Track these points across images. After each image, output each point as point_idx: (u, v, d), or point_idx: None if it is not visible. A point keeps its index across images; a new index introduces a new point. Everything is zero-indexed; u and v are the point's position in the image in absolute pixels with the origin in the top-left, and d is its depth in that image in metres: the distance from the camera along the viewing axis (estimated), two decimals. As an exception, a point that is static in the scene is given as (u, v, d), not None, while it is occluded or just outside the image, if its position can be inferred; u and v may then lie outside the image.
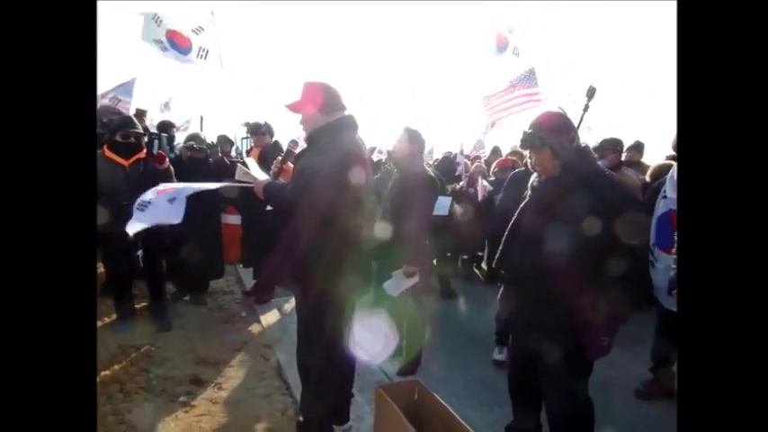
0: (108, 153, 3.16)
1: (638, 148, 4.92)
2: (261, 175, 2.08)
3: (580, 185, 1.75)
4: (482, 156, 9.52)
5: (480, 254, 6.09)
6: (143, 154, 3.25)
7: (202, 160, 3.96)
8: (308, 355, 2.08)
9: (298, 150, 2.22)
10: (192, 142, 3.89)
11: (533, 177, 1.98)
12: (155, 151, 3.21)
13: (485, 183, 4.94)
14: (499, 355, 3.30)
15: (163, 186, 2.14)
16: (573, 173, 1.78)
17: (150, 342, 3.18)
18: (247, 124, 4.39)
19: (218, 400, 2.60)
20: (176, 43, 5.96)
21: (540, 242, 1.83)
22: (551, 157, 1.81)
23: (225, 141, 5.81)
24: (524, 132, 1.88)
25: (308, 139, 2.06)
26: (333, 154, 1.86)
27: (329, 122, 1.99)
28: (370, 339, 2.11)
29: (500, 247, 2.06)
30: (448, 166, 5.53)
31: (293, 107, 2.05)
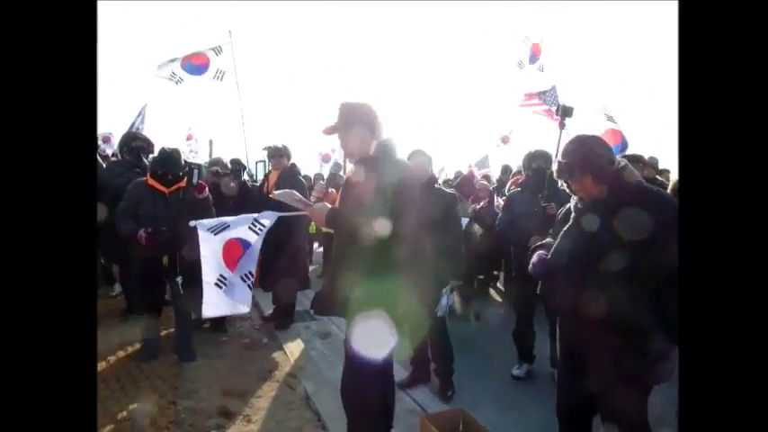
0: (151, 181, 3.24)
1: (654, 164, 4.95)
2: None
3: (628, 205, 1.71)
4: (489, 174, 9.59)
5: (496, 273, 6.06)
6: (183, 183, 3.31)
7: (224, 184, 3.97)
8: (350, 387, 2.03)
9: (344, 174, 2.23)
10: (217, 167, 3.91)
11: (575, 199, 1.94)
12: (194, 181, 3.26)
13: (500, 200, 4.95)
14: (518, 370, 3.43)
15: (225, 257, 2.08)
16: (620, 194, 1.75)
17: (176, 372, 3.12)
18: (268, 148, 4.41)
19: (249, 434, 2.53)
20: (193, 63, 6.14)
21: (589, 267, 1.79)
22: (594, 183, 1.78)
23: (237, 165, 5.85)
24: (559, 163, 1.85)
25: (363, 164, 1.98)
26: (401, 178, 1.85)
27: (382, 144, 1.98)
28: (371, 336, 1.99)
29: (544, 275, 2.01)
30: (467, 185, 5.54)
31: (338, 128, 2.00)
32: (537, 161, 3.26)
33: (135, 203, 3.19)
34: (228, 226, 2.04)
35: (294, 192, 2.06)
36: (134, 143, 4.16)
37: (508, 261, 5.50)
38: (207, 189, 3.41)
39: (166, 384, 2.92)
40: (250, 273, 2.07)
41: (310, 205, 1.98)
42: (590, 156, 1.79)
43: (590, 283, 1.76)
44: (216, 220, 2.10)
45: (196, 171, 3.33)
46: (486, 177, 8.54)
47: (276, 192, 2.15)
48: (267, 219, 2.10)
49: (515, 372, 3.43)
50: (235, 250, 2.04)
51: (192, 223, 2.05)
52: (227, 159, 5.02)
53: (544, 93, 5.07)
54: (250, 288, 2.08)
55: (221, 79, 6.26)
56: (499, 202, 4.93)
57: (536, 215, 3.11)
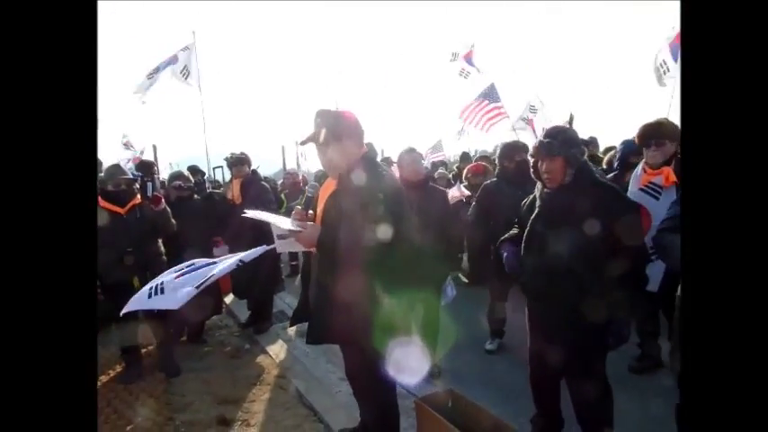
0: (103, 204, 3.13)
1: (593, 143, 5.41)
2: (284, 224, 1.94)
3: (588, 193, 1.97)
4: (444, 158, 9.88)
5: (460, 256, 6.35)
6: (138, 200, 3.25)
7: (188, 198, 3.93)
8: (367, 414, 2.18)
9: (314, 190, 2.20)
10: (179, 181, 3.86)
11: (539, 188, 2.18)
12: (149, 194, 3.20)
13: (462, 188, 5.20)
14: (490, 345, 3.75)
15: (185, 272, 2.05)
16: (582, 182, 2.00)
17: (165, 389, 3.14)
18: (229, 158, 4.39)
19: (251, 438, 2.63)
20: (164, 60, 6.29)
21: (556, 249, 2.03)
22: (564, 166, 2.00)
23: (195, 172, 5.73)
24: (539, 141, 2.06)
25: (346, 177, 1.87)
26: (388, 192, 1.81)
27: (364, 156, 1.92)
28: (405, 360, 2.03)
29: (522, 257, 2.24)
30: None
31: (318, 140, 1.89)
32: (521, 154, 3.36)
33: None
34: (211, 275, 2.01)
35: (283, 218, 1.93)
36: None
37: (471, 243, 5.84)
38: (163, 201, 3.36)
39: (159, 402, 2.94)
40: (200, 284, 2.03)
41: (300, 231, 1.84)
42: (569, 140, 2.02)
43: (557, 268, 2.02)
44: (203, 272, 2.02)
45: (150, 183, 3.30)
46: (444, 164, 8.82)
47: (259, 213, 2.01)
48: (253, 255, 2.03)
49: (488, 347, 3.73)
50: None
51: (178, 280, 2.01)
52: (168, 162, 4.93)
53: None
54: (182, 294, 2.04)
55: (186, 77, 6.29)
56: (462, 190, 5.20)
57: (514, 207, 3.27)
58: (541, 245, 2.08)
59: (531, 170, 2.20)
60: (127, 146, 8.42)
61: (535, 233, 2.12)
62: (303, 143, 2.01)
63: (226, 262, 2.03)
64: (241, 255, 2.04)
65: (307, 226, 1.87)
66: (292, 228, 1.87)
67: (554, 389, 2.32)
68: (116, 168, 3.31)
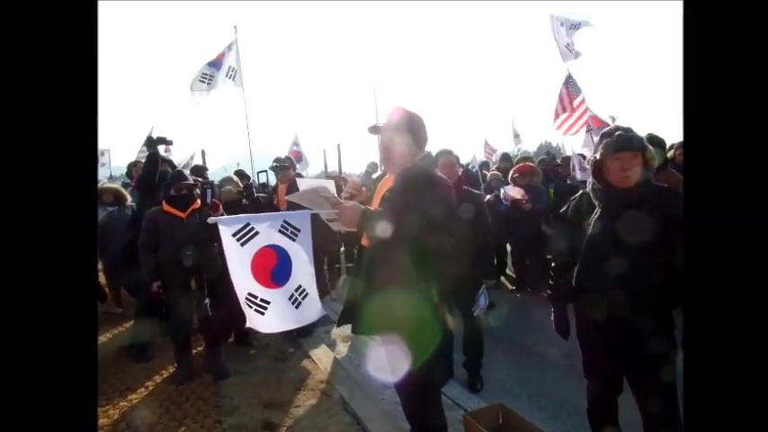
0: (167, 208, 3.28)
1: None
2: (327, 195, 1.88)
3: (650, 199, 1.82)
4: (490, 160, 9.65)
5: (505, 260, 6.18)
6: (197, 204, 3.37)
7: (237, 202, 4.04)
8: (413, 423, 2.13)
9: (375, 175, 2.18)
10: (230, 186, 3.99)
11: (590, 185, 2.02)
12: (209, 200, 3.30)
13: (516, 189, 5.05)
14: None
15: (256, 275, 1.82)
16: (647, 185, 1.85)
17: (214, 391, 3.21)
18: (275, 162, 4.50)
19: (295, 444, 2.63)
20: (215, 60, 6.22)
21: (614, 254, 1.87)
22: (641, 163, 1.84)
23: (242, 176, 5.91)
24: (620, 135, 1.87)
25: (404, 176, 1.90)
26: (441, 199, 1.81)
27: (424, 159, 1.96)
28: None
29: (578, 262, 2.10)
30: (472, 178, 5.65)
31: (386, 131, 1.94)
32: None
33: (155, 233, 3.25)
34: (256, 231, 1.79)
35: (322, 185, 1.88)
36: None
37: (514, 248, 5.68)
38: (221, 207, 3.46)
39: (208, 404, 3.02)
40: (300, 289, 1.89)
41: (341, 203, 1.82)
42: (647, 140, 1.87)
43: (616, 270, 1.86)
44: (239, 218, 1.82)
45: (209, 190, 3.39)
46: (486, 164, 8.60)
47: (300, 192, 1.95)
48: (299, 220, 1.89)
49: None
50: (267, 259, 1.82)
51: (211, 220, 1.80)
52: (216, 168, 5.08)
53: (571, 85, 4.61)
54: (297, 305, 1.89)
55: (233, 78, 6.22)
56: (507, 193, 5.03)
57: None
58: (601, 251, 1.93)
59: (592, 169, 2.05)
60: (167, 149, 8.77)
61: (595, 238, 1.97)
62: (372, 131, 2.05)
63: (271, 227, 1.86)
64: (284, 214, 1.95)
65: (348, 203, 1.85)
66: (332, 210, 1.86)
67: (613, 405, 2.15)
68: (179, 174, 3.44)
